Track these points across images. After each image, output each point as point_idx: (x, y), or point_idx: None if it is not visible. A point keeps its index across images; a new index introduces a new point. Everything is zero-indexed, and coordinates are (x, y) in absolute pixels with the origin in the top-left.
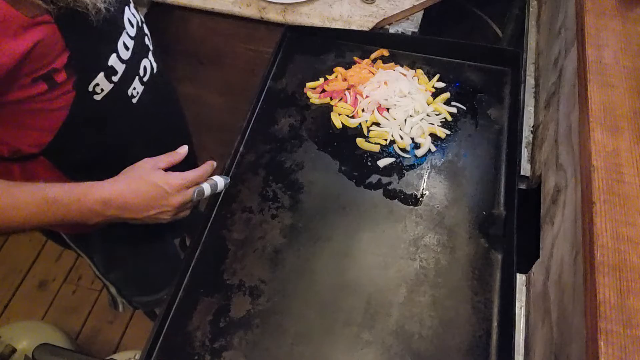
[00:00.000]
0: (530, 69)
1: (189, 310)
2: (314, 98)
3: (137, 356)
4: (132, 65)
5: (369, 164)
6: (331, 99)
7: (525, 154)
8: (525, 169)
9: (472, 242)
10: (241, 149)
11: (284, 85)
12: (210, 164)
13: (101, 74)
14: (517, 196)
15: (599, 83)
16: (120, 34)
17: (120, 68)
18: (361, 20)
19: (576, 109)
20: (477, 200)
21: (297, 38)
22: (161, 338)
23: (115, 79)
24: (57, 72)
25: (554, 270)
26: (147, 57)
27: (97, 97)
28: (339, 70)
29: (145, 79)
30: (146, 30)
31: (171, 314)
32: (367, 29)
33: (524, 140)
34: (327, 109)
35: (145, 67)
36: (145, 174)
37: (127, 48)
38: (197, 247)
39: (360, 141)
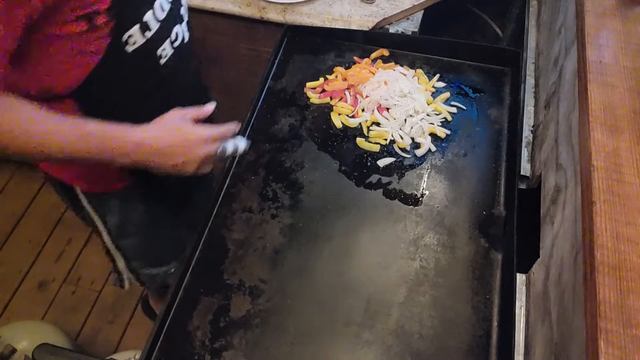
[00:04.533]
0: (530, 69)
1: (189, 310)
2: (314, 98)
3: (137, 356)
4: (165, 27)
5: (369, 164)
6: (331, 98)
7: (525, 154)
8: (525, 169)
9: (472, 242)
10: None
11: (284, 85)
12: (235, 124)
13: (136, 26)
14: (517, 196)
15: (599, 83)
16: None
17: (154, 26)
18: (361, 20)
19: (576, 109)
20: (477, 200)
21: (297, 38)
22: (161, 338)
23: (148, 34)
24: (99, 15)
25: (554, 270)
26: (180, 24)
27: (129, 49)
28: (339, 70)
29: (175, 44)
30: (183, 2)
31: (171, 314)
32: (367, 29)
33: (524, 140)
34: (327, 109)
35: (177, 34)
36: (175, 124)
37: (162, 10)
38: (197, 247)
39: (360, 141)
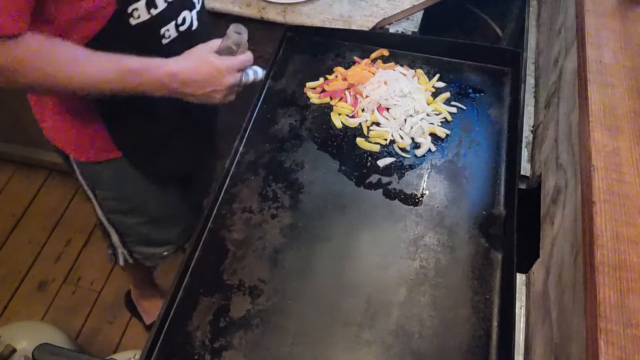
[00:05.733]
0: (530, 69)
1: (189, 310)
2: (314, 98)
3: (137, 356)
4: (172, 9)
5: (369, 164)
6: (331, 98)
7: (525, 154)
8: (525, 169)
9: (472, 242)
10: (241, 148)
11: (284, 85)
12: (250, 54)
13: (142, 1)
14: (517, 196)
15: (599, 83)
16: None
17: (161, 5)
18: (361, 20)
19: (576, 108)
20: (477, 200)
21: (297, 38)
22: (161, 338)
23: (153, 12)
24: None
25: (554, 270)
26: (189, 11)
27: (132, 22)
28: (339, 70)
29: (181, 28)
30: None
31: (171, 314)
32: (367, 29)
33: (524, 140)
34: (327, 109)
35: (184, 18)
36: (204, 55)
37: None
38: (197, 247)
39: (360, 141)
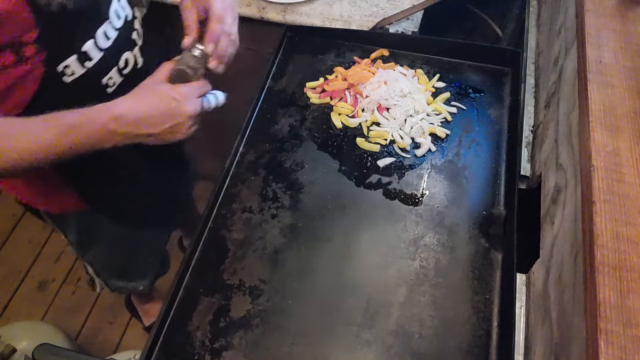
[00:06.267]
0: (530, 69)
1: (189, 310)
2: (314, 98)
3: (137, 356)
4: (111, 55)
5: (369, 164)
6: (331, 98)
7: (525, 154)
8: (525, 169)
9: (472, 242)
10: (241, 148)
11: (284, 85)
12: (207, 81)
13: (73, 57)
14: (517, 196)
15: (599, 83)
16: (102, 23)
17: (96, 55)
18: (361, 20)
19: (576, 108)
20: (477, 200)
21: (297, 38)
22: (161, 338)
23: (89, 64)
24: (26, 46)
25: (554, 270)
26: (131, 50)
27: (67, 79)
28: (339, 70)
29: (125, 71)
30: (137, 26)
31: (171, 314)
32: (367, 29)
33: (524, 140)
34: (327, 109)
35: (127, 60)
36: (153, 87)
37: (107, 38)
38: (197, 247)
39: (360, 141)
